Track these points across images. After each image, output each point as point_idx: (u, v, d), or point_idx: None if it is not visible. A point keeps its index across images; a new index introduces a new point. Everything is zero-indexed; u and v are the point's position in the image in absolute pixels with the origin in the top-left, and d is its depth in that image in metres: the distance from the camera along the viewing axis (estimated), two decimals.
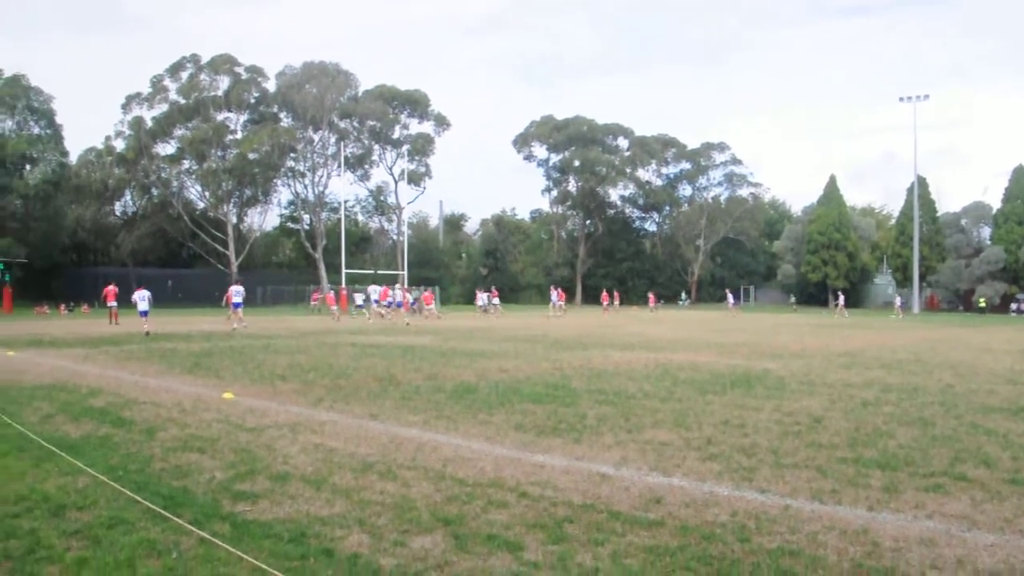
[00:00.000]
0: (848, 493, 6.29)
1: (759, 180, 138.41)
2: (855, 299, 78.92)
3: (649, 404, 10.73)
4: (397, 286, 48.14)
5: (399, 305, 45.03)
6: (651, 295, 69.13)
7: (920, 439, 8.44)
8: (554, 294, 53.15)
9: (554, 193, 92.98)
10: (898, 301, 61.48)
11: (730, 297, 62.91)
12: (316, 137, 74.75)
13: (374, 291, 44.77)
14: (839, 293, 61.24)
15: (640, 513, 5.72)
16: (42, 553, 4.81)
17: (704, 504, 5.95)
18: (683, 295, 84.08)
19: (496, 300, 52.63)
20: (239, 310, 33.06)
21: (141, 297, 29.94)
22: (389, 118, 77.83)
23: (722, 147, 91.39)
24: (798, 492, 6.31)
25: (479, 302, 51.54)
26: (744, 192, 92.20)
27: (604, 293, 64.14)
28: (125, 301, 35.43)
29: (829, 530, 5.37)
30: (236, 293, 33.36)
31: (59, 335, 26.31)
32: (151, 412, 9.93)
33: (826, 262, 78.42)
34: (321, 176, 76.25)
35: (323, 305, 47.71)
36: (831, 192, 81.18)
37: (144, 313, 29.22)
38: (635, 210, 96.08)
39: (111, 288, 35.51)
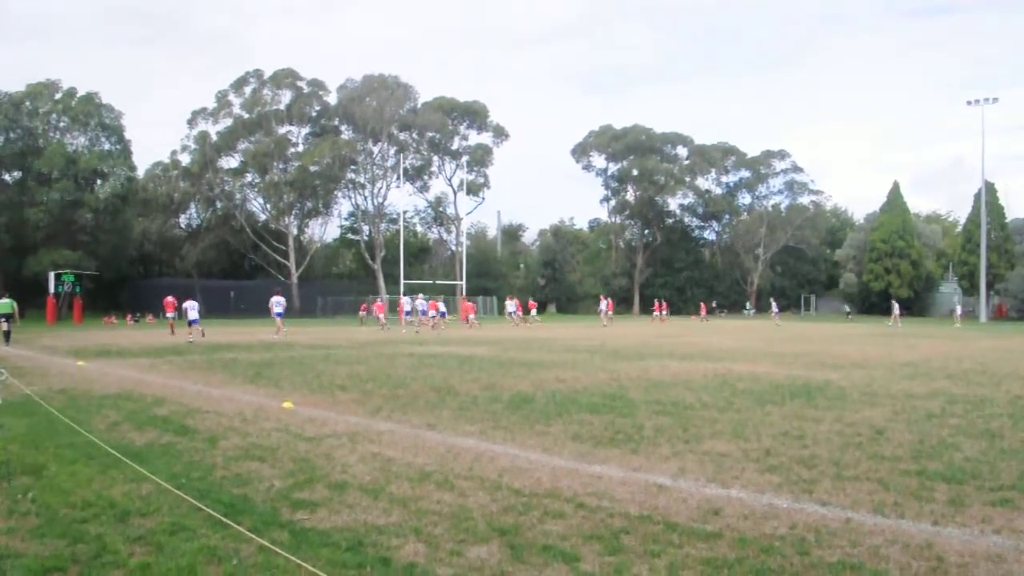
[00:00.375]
0: (912, 506, 6.15)
1: (820, 188, 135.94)
2: (920, 308, 77.27)
3: (707, 415, 10.62)
4: (420, 296, 48.88)
5: (442, 314, 45.79)
6: (702, 305, 68.74)
7: (987, 452, 8.22)
8: (603, 303, 53.16)
9: (612, 203, 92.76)
10: (958, 309, 59.95)
11: (774, 306, 62.05)
12: (376, 149, 75.63)
13: (420, 303, 46.31)
14: (894, 302, 60.18)
15: (698, 525, 5.65)
16: (108, 558, 4.92)
17: (763, 516, 5.87)
18: (747, 305, 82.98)
19: (517, 311, 53.00)
20: (280, 319, 34.55)
21: (191, 307, 31.40)
22: (448, 129, 78.41)
23: (782, 155, 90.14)
24: (859, 505, 6.18)
25: (507, 310, 52.95)
26: (805, 200, 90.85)
27: (656, 303, 64.19)
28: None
29: (892, 544, 5.26)
30: (277, 304, 34.69)
31: (126, 345, 26.93)
32: (213, 421, 10.10)
33: (889, 270, 76.89)
34: (380, 187, 77.10)
35: (369, 316, 48.09)
36: (894, 199, 79.64)
37: (194, 322, 30.85)
38: (694, 219, 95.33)
39: (169, 299, 36.73)
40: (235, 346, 26.28)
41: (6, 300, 29.78)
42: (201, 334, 31.98)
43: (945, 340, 32.45)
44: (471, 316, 49.47)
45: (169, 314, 35.64)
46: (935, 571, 4.79)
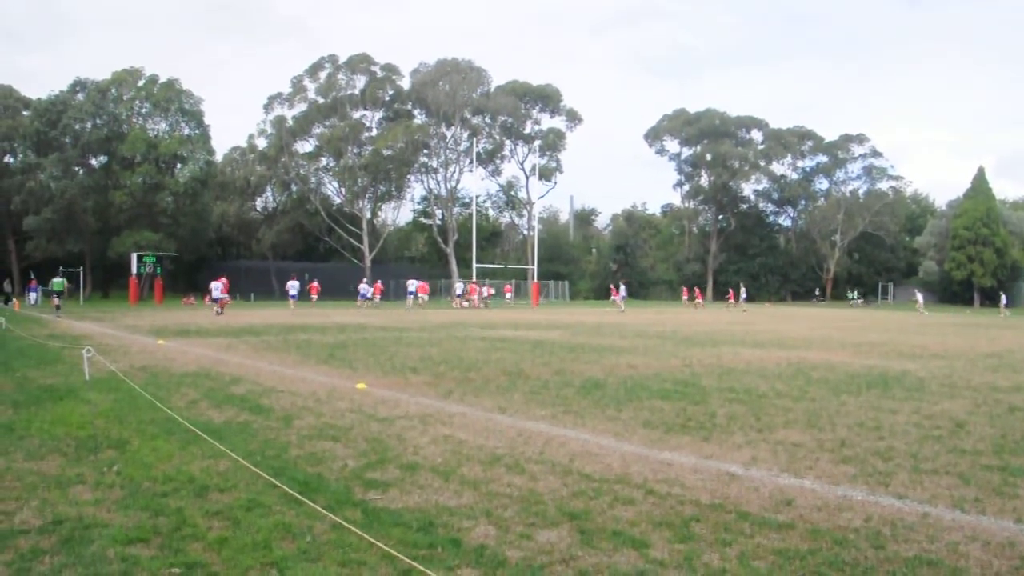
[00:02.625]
0: (993, 503, 5.98)
1: (900, 173, 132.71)
2: (1009, 298, 74.92)
3: (781, 403, 10.48)
4: (458, 283, 51.26)
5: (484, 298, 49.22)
6: (731, 291, 67.32)
7: None
8: (622, 289, 52.70)
9: (685, 188, 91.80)
10: (1003, 299, 58.22)
11: (854, 294, 60.74)
12: (448, 133, 75.95)
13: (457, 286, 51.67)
14: (1002, 294, 58.47)
15: (770, 515, 5.59)
16: (187, 531, 5.06)
17: (837, 508, 5.77)
18: (854, 293, 79.91)
19: (509, 295, 54.47)
20: (294, 301, 42.37)
21: (292, 286, 41.82)
22: (521, 113, 78.32)
23: (861, 139, 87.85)
24: (938, 499, 6.04)
25: (507, 295, 56.16)
26: (884, 185, 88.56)
27: (731, 291, 63.52)
28: (232, 293, 41.34)
29: (971, 541, 5.12)
30: (292, 287, 42.49)
31: (204, 325, 27.60)
32: (288, 401, 10.30)
33: (972, 259, 74.55)
34: (453, 172, 77.47)
35: (418, 300, 49.24)
36: (979, 184, 77.12)
37: (294, 297, 41.29)
38: (769, 204, 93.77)
39: (222, 281, 38.59)
40: (309, 327, 26.74)
41: (59, 279, 37.06)
42: (293, 309, 40.30)
43: None
44: (474, 297, 52.21)
45: (222, 295, 37.58)
46: (1017, 571, 4.65)
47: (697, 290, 64.12)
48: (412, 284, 49.16)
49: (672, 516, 5.52)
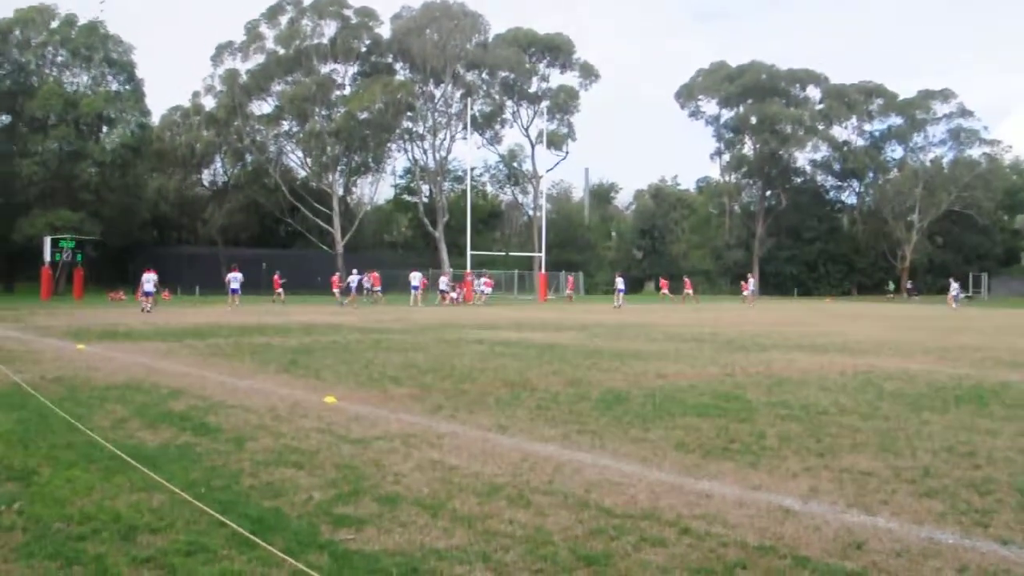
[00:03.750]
0: None
1: (997, 136, 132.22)
2: None
3: (846, 422, 10.42)
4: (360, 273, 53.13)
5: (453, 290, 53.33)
6: (743, 283, 67.53)
7: None
8: (619, 282, 53.33)
9: (726, 158, 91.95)
10: None
11: (954, 288, 60.21)
12: (438, 92, 76.10)
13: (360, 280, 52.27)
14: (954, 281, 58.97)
15: (835, 561, 5.51)
16: None
17: (921, 554, 5.68)
18: (955, 287, 79.39)
19: (487, 288, 55.77)
20: (237, 295, 43.54)
21: (234, 278, 42.39)
22: (525, 68, 78.40)
23: (946, 95, 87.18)
24: None
25: (476, 287, 56.78)
26: (975, 152, 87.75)
27: (743, 283, 64.14)
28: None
29: None
30: (233, 279, 43.51)
31: (136, 326, 27.59)
32: (240, 418, 10.25)
33: None
34: (443, 139, 77.69)
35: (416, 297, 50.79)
36: None
37: (235, 292, 42.22)
38: (828, 177, 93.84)
39: (154, 273, 39.43)
40: (267, 328, 26.69)
41: None
42: (235, 304, 42.22)
43: None
44: (481, 290, 53.09)
45: (146, 290, 38.43)
46: None
47: (687, 281, 65.26)
48: (415, 277, 50.93)
49: (712, 561, 5.45)
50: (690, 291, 62.88)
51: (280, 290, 49.38)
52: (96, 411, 10.67)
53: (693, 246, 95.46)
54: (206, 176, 79.65)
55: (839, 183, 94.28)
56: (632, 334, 25.94)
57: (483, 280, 58.75)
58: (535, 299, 63.45)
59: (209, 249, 75.46)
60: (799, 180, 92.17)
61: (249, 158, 75.54)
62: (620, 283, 53.25)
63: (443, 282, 54.86)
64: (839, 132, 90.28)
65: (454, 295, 54.41)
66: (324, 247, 73.33)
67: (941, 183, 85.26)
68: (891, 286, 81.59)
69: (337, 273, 56.58)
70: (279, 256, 70.77)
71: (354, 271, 51.29)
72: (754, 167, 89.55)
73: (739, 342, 22.99)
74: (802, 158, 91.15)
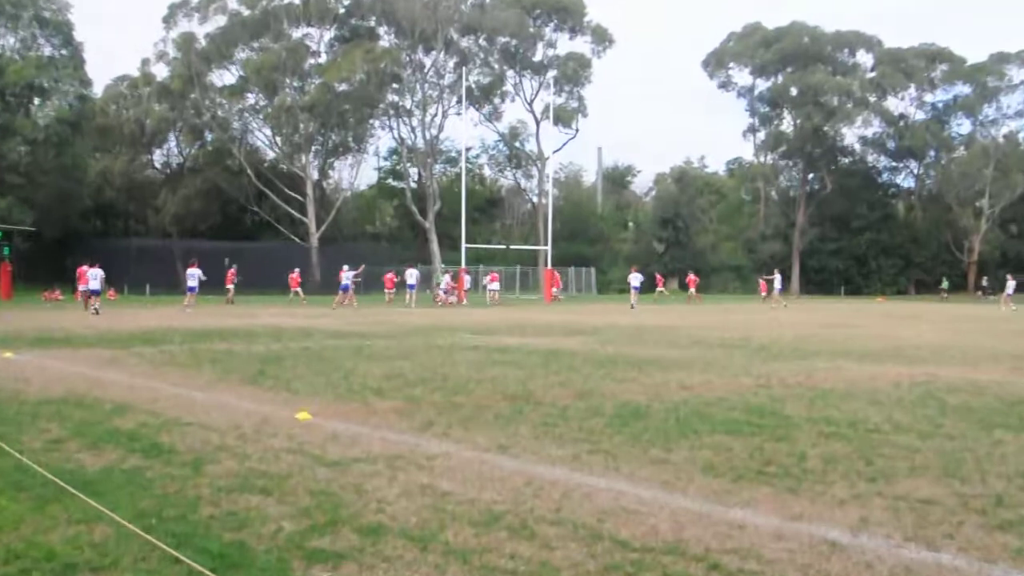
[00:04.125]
0: None
1: None
2: None
3: (903, 441, 10.40)
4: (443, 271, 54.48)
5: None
6: (762, 282, 67.83)
7: None
8: (634, 278, 54.00)
9: (760, 135, 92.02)
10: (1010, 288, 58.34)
11: (1011, 287, 60.15)
12: (428, 61, 76.20)
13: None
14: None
15: None
16: None
17: None
18: (1011, 285, 79.09)
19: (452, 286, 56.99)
20: (192, 294, 44.42)
21: (192, 275, 43.63)
22: (529, 32, 78.41)
23: (1023, 57, 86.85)
24: None
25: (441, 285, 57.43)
26: None
27: (763, 280, 64.46)
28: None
29: None
30: (191, 276, 44.55)
31: (76, 330, 27.61)
32: (198, 437, 10.24)
33: None
34: (434, 115, 77.69)
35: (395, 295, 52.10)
36: None
37: (192, 290, 43.10)
38: (882, 158, 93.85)
39: (86, 270, 39.82)
40: (230, 332, 26.69)
41: None
42: (190, 305, 42.02)
43: None
44: (493, 287, 54.26)
45: (84, 286, 39.36)
46: None
47: (692, 278, 65.85)
48: (412, 275, 53.35)
49: None
50: (693, 289, 63.29)
51: (299, 288, 53.29)
52: (27, 430, 10.63)
53: (722, 238, 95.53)
54: (158, 157, 79.87)
55: (894, 164, 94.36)
56: (651, 339, 25.99)
57: (489, 277, 59.25)
58: (540, 299, 63.49)
59: (161, 241, 75.38)
60: (847, 161, 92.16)
61: (209, 136, 75.58)
62: (635, 281, 53.40)
63: (446, 281, 55.61)
64: (894, 104, 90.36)
65: (451, 297, 54.94)
66: (296, 239, 73.30)
67: (1016, 162, 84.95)
68: (945, 284, 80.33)
69: (297, 270, 56.79)
70: (244, 250, 70.49)
71: (345, 267, 51.44)
72: (794, 146, 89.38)
73: (775, 348, 23.02)
74: (850, 135, 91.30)
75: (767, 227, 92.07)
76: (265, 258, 71.28)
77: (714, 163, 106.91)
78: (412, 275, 53.00)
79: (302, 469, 8.70)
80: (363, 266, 53.55)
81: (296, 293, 53.15)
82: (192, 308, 41.93)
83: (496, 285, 59.59)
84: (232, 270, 51.14)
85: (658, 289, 66.19)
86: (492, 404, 12.89)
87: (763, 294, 63.32)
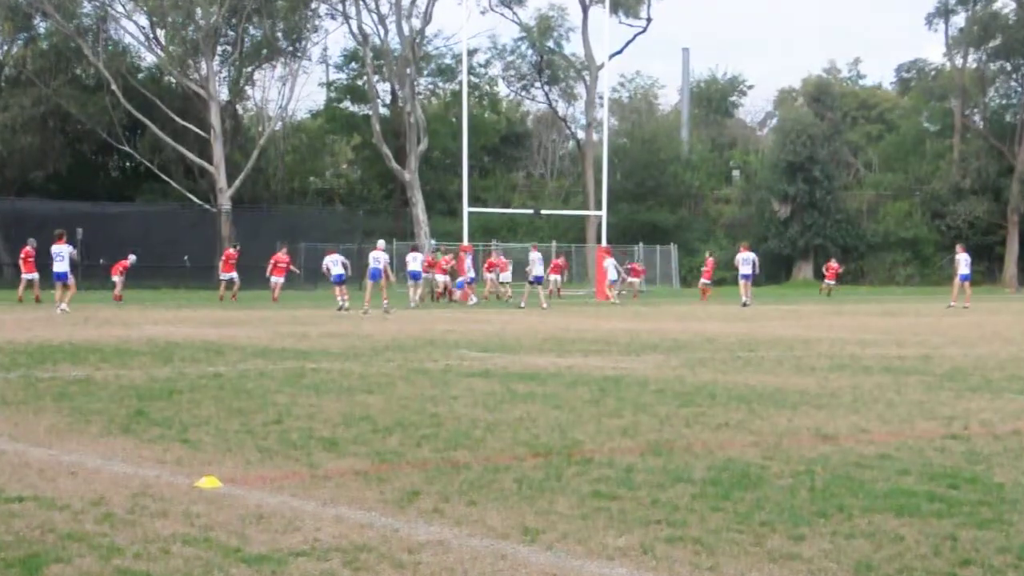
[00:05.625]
0: None
1: None
2: None
3: None
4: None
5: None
6: (828, 267, 68.64)
7: None
8: (743, 260, 53.71)
9: (957, 22, 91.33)
10: None
11: None
12: None
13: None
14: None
15: None
16: None
17: None
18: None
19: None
20: (63, 282, 45.25)
21: (60, 254, 45.31)
22: None
23: None
24: None
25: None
26: None
27: (829, 264, 65.04)
28: None
29: None
30: (58, 256, 46.13)
31: None
32: (35, 520, 10.19)
33: None
34: None
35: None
36: None
37: (62, 278, 44.97)
38: None
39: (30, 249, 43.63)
40: (89, 350, 26.79)
41: None
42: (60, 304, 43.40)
43: None
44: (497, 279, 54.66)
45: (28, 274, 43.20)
46: None
47: (832, 266, 65.67)
48: (415, 259, 56.80)
49: None
50: (832, 281, 63.44)
51: (234, 274, 56.46)
52: None
53: (887, 193, 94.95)
54: None
55: None
56: (769, 358, 26.07)
57: (486, 261, 59.58)
58: (590, 293, 63.50)
59: None
60: None
61: (43, 27, 75.48)
62: (744, 263, 53.42)
63: (416, 258, 56.10)
64: None
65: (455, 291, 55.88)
66: (195, 199, 73.22)
67: None
68: None
69: (234, 247, 57.55)
70: (107, 216, 70.27)
71: (413, 253, 52.46)
72: (1016, 36, 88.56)
73: (972, 373, 23.00)
74: None
75: (964, 174, 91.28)
76: (144, 229, 71.11)
77: (875, 70, 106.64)
78: (415, 259, 55.41)
79: (208, 570, 8.73)
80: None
81: (230, 281, 55.69)
82: (67, 306, 43.24)
83: (554, 276, 60.15)
84: (127, 260, 51.95)
85: (826, 282, 65.72)
86: (513, 463, 12.91)
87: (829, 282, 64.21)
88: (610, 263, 57.00)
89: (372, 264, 52.86)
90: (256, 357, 25.79)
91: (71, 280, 45.89)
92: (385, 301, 49.82)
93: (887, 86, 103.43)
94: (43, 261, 47.54)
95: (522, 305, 52.02)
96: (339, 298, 51.81)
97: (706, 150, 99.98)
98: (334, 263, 53.69)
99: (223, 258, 58.61)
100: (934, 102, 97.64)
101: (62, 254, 45.70)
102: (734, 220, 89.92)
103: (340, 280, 52.80)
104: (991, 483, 11.97)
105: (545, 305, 51.72)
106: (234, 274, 58.02)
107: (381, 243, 52.90)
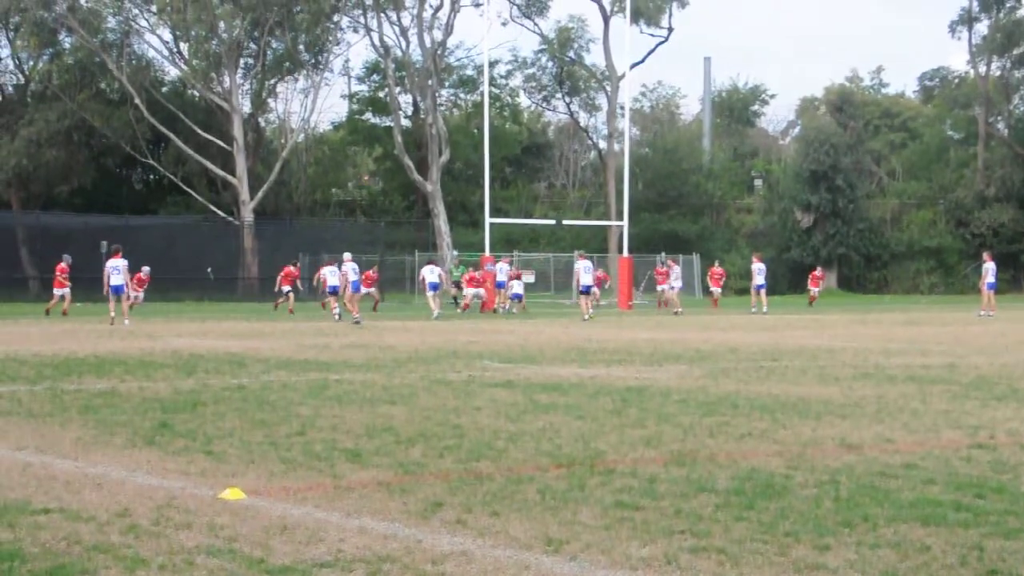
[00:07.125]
0: None
1: None
2: None
3: None
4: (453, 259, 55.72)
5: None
6: (812, 274, 68.55)
7: None
8: (757, 271, 53.69)
9: (980, 29, 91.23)
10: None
11: None
12: None
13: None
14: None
15: None
16: None
17: None
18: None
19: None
20: (121, 296, 45.74)
21: (115, 269, 45.18)
22: None
23: None
24: None
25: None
26: None
27: (813, 272, 65.09)
28: None
29: None
30: (114, 271, 45.68)
31: None
32: (60, 532, 10.21)
33: None
34: (439, 7, 77.34)
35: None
36: None
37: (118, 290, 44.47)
38: None
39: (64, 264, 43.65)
40: (112, 361, 26.80)
41: None
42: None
43: None
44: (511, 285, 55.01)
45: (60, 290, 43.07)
46: None
47: (816, 273, 65.85)
48: (432, 271, 56.14)
49: None
50: (815, 288, 63.48)
51: (291, 288, 57.13)
52: None
53: (911, 201, 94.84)
54: None
55: None
56: (793, 368, 26.05)
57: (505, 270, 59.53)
58: (612, 304, 63.40)
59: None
60: None
61: (68, 43, 75.67)
62: (758, 272, 53.43)
63: (502, 271, 56.35)
64: None
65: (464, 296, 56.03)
66: (219, 211, 73.35)
67: None
68: None
69: (294, 265, 58.10)
70: (132, 229, 70.31)
71: (347, 256, 52.14)
72: None
73: (997, 382, 22.96)
74: None
75: (989, 183, 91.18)
76: (168, 242, 71.26)
77: (897, 79, 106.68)
78: (432, 271, 55.39)
79: None
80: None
81: (286, 293, 56.88)
82: (130, 321, 43.83)
83: (597, 285, 59.51)
84: (142, 272, 52.36)
85: (811, 289, 65.99)
86: (536, 474, 12.92)
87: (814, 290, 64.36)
88: (583, 265, 54.94)
89: (428, 278, 54.48)
90: (279, 369, 25.85)
91: (130, 293, 46.98)
92: (335, 310, 50.89)
93: (910, 94, 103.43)
94: (75, 275, 48.03)
95: (586, 317, 51.26)
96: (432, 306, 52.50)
97: (728, 159, 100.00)
98: (430, 272, 54.51)
99: (283, 273, 58.87)
100: (958, 110, 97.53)
101: (119, 268, 45.94)
102: (756, 230, 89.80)
103: (435, 288, 53.74)
104: (1018, 492, 11.94)
105: (586, 316, 50.79)
106: (288, 288, 58.18)
107: (347, 255, 52.54)
